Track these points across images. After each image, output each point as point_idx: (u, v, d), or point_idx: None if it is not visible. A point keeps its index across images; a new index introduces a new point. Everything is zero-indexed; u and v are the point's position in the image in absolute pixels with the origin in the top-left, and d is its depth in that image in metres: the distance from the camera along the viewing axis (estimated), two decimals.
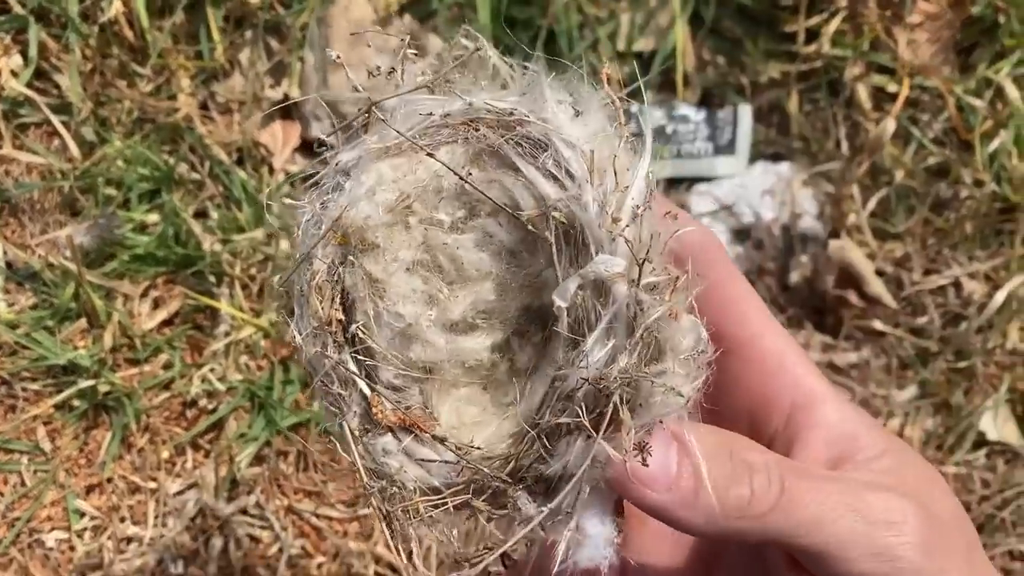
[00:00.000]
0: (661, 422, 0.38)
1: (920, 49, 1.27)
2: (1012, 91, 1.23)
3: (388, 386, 0.41)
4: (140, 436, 1.15)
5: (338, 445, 0.41)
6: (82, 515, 1.12)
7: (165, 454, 1.14)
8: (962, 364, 1.20)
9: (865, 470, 0.40)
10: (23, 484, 1.13)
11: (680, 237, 0.38)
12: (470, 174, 0.40)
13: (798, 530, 0.37)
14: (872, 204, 1.24)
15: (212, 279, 1.18)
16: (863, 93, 1.27)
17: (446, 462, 0.40)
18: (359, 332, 0.41)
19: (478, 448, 0.41)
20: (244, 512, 1.12)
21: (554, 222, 0.38)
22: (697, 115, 1.32)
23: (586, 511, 0.39)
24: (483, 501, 0.40)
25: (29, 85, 1.25)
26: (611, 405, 0.36)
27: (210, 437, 1.15)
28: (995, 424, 1.18)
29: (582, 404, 0.37)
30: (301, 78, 1.26)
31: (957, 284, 1.22)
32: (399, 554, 0.39)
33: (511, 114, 0.39)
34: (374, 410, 0.40)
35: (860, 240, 1.24)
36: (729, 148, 1.30)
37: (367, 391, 0.41)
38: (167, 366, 1.16)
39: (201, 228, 1.18)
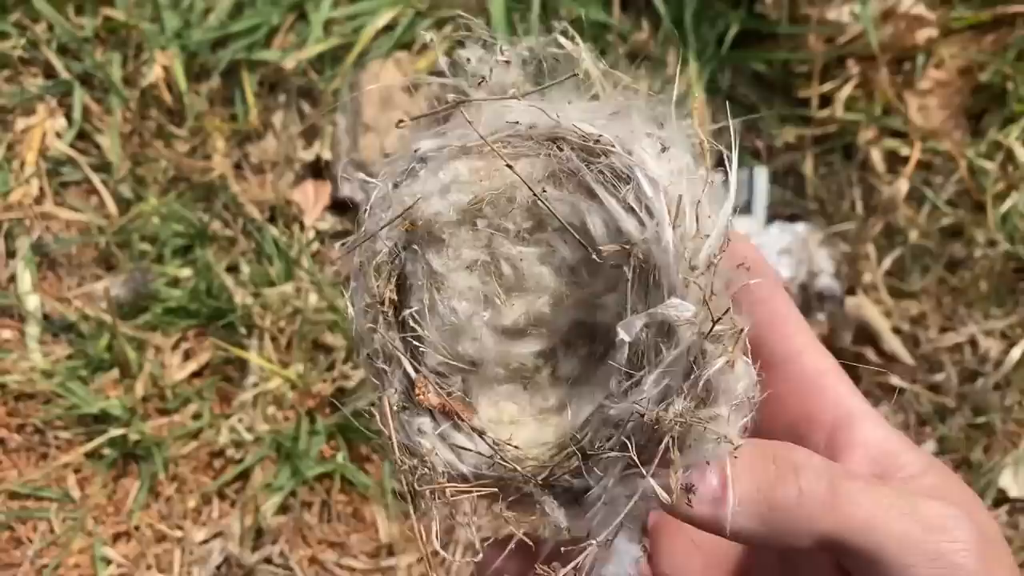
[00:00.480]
0: (708, 463, 0.38)
1: (931, 114, 1.30)
2: (1022, 154, 1.27)
3: (432, 371, 0.42)
4: (168, 485, 1.16)
5: (377, 418, 0.42)
6: (109, 563, 1.13)
7: (192, 503, 1.16)
8: (980, 420, 1.21)
9: (910, 487, 0.40)
10: (52, 531, 1.14)
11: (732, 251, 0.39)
12: (545, 191, 0.40)
13: (852, 531, 0.37)
14: (887, 263, 1.27)
15: (243, 331, 1.21)
16: (876, 156, 1.30)
17: (479, 453, 0.41)
18: (411, 317, 0.42)
19: (516, 447, 0.42)
20: (268, 561, 1.13)
21: (633, 258, 0.38)
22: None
23: (622, 529, 0.40)
24: (509, 499, 0.41)
25: (72, 145, 1.30)
26: (663, 445, 0.37)
27: (236, 487, 1.17)
28: (1015, 481, 1.18)
29: (631, 437, 0.38)
30: (332, 140, 1.31)
31: (973, 342, 1.24)
32: (419, 531, 0.40)
33: (597, 141, 0.39)
34: (416, 390, 0.41)
35: (876, 298, 1.26)
36: (746, 209, 1.33)
37: (411, 372, 0.42)
38: (196, 416, 1.18)
39: (233, 282, 1.22)
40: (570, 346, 0.45)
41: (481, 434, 0.42)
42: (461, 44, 0.45)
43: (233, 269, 1.25)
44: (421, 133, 0.42)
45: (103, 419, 1.17)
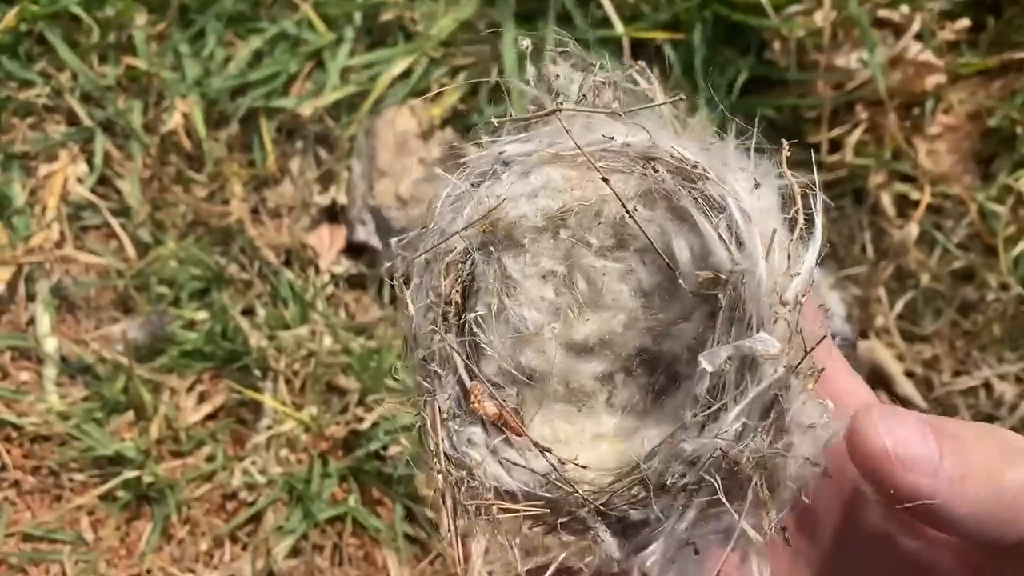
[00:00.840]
0: (803, 494, 0.37)
1: (941, 158, 1.31)
2: None
3: (488, 380, 0.41)
4: (180, 527, 1.17)
5: (423, 425, 0.40)
6: None
7: (204, 546, 1.16)
8: None
9: None
10: (64, 574, 1.14)
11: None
12: (636, 210, 0.39)
13: None
14: (899, 307, 1.27)
15: (257, 374, 1.22)
16: (886, 200, 1.31)
17: (532, 471, 0.39)
18: (475, 321, 0.41)
19: (584, 467, 0.40)
20: None
21: (725, 289, 0.38)
22: None
23: (676, 567, 0.39)
24: (561, 522, 0.39)
25: (92, 191, 1.33)
26: (753, 484, 0.36)
27: (248, 529, 1.17)
28: None
29: (713, 474, 0.36)
30: (348, 185, 1.33)
31: (987, 385, 1.23)
32: (456, 547, 0.38)
33: (695, 166, 0.39)
34: (472, 398, 0.40)
35: (889, 342, 1.26)
36: None
37: (467, 378, 0.40)
38: (210, 458, 1.19)
39: (248, 325, 1.23)
40: (629, 373, 0.43)
41: (544, 450, 0.40)
42: (553, 60, 0.45)
43: (249, 312, 1.27)
44: (502, 138, 0.42)
45: (117, 461, 1.18)
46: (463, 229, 0.40)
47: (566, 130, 0.39)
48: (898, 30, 1.31)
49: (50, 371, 1.24)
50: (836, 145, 1.33)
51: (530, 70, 0.44)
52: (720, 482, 0.36)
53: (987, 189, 1.30)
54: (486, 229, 0.40)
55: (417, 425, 0.42)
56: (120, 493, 1.17)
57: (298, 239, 1.30)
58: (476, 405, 0.40)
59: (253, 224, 1.31)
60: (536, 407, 0.43)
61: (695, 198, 0.38)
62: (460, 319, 0.41)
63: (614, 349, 0.43)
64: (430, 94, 1.36)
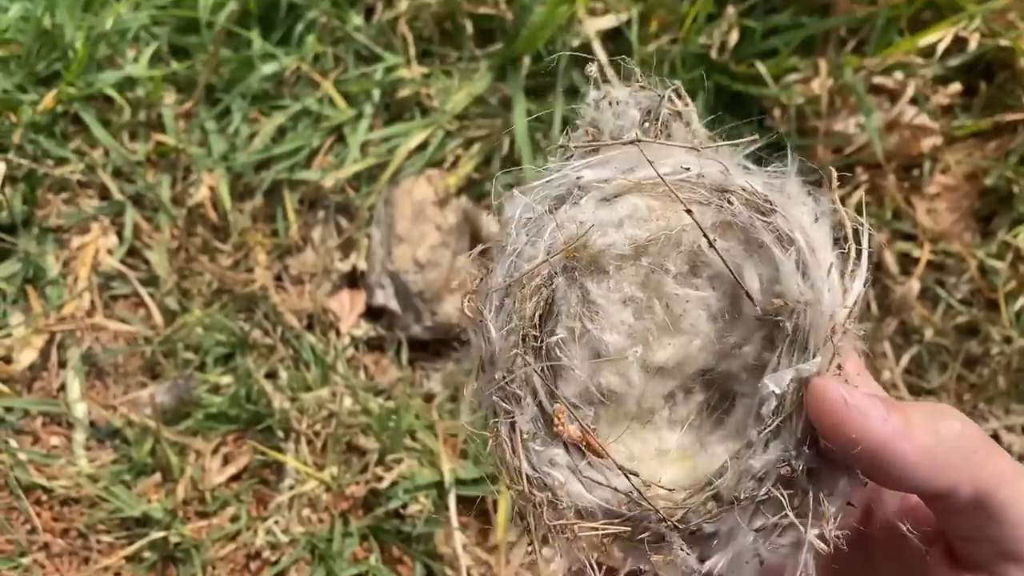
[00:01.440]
0: (850, 503, 0.40)
1: (940, 217, 1.36)
2: None
3: (567, 402, 0.42)
4: None
5: (500, 447, 0.41)
6: None
7: None
8: None
9: None
10: None
11: None
12: (715, 240, 0.42)
13: (994, 477, 0.38)
14: (905, 361, 1.30)
15: (280, 435, 1.25)
16: (889, 258, 1.35)
17: (616, 490, 0.41)
18: (557, 344, 0.42)
19: (669, 490, 0.42)
20: None
21: (793, 315, 0.40)
22: None
23: None
24: (639, 537, 0.41)
25: (122, 261, 1.38)
26: (812, 499, 0.39)
27: None
28: None
29: (782, 491, 0.39)
30: (367, 252, 1.38)
31: (995, 437, 1.25)
32: (541, 565, 0.40)
33: (767, 200, 0.41)
34: (556, 421, 0.41)
35: (896, 396, 1.29)
36: None
37: (547, 401, 0.41)
38: (234, 519, 1.22)
39: (272, 387, 1.27)
40: (689, 391, 0.45)
41: (628, 474, 0.41)
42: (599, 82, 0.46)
43: (272, 375, 1.30)
44: (574, 162, 0.43)
45: (144, 522, 1.21)
46: (551, 256, 0.41)
47: (649, 162, 0.41)
48: (893, 95, 1.37)
49: (80, 435, 1.28)
50: None
51: (592, 94, 0.45)
52: (787, 496, 0.39)
53: (987, 246, 1.34)
54: (571, 255, 0.42)
55: (489, 448, 0.42)
56: (147, 554, 1.19)
57: (320, 304, 1.35)
58: (560, 428, 0.41)
59: (276, 291, 1.36)
60: (607, 426, 0.45)
61: (769, 231, 0.41)
62: (540, 342, 0.42)
63: (683, 370, 0.45)
64: (446, 164, 1.42)
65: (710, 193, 0.42)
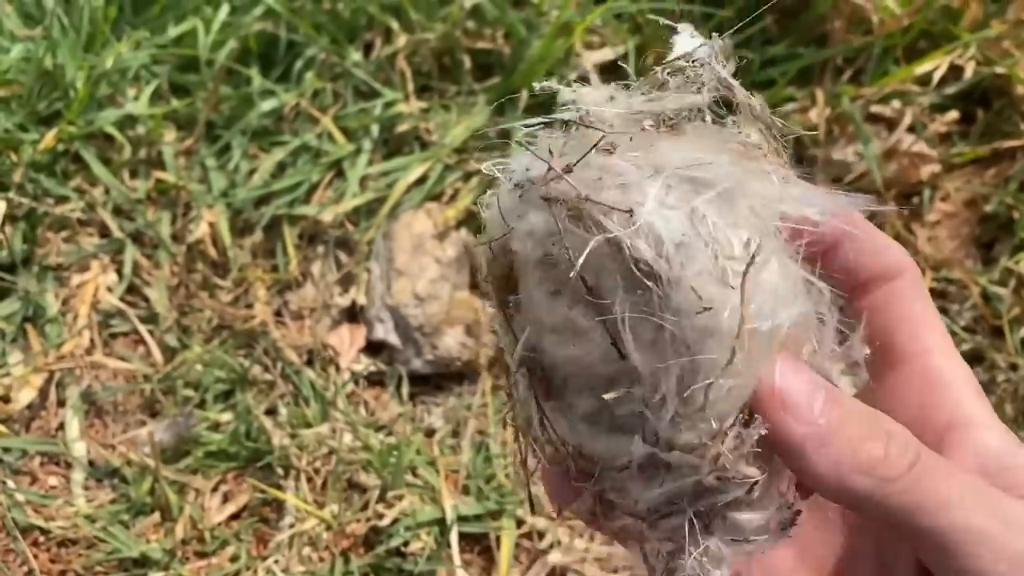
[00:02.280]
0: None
1: (941, 244, 1.35)
2: None
3: None
4: None
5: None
6: None
7: None
8: None
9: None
10: None
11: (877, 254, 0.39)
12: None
13: (923, 507, 0.34)
14: None
15: (280, 472, 1.24)
16: None
17: None
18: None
19: None
20: None
21: None
22: None
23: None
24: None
25: (121, 299, 1.38)
26: None
27: None
28: None
29: None
30: (367, 286, 1.37)
31: None
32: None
33: None
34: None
35: None
36: None
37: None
38: (233, 558, 1.20)
39: (271, 424, 1.26)
40: None
41: None
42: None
43: (272, 412, 1.30)
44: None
45: (143, 563, 1.19)
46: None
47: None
48: (891, 124, 1.37)
49: (78, 475, 1.26)
50: None
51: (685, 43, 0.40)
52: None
53: (989, 273, 1.33)
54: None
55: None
56: None
57: (319, 339, 1.34)
58: None
59: (276, 326, 1.36)
60: None
61: None
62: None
63: None
64: (445, 197, 1.42)
65: None
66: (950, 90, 1.38)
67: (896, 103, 1.38)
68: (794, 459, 0.36)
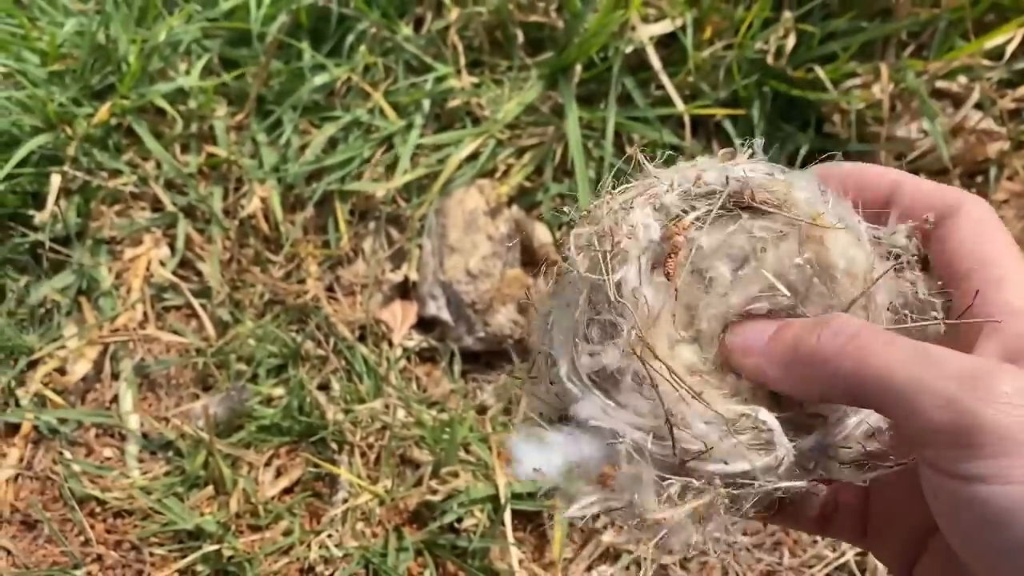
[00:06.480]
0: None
1: (1008, 224, 1.31)
2: None
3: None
4: None
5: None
6: None
7: None
8: None
9: None
10: None
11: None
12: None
13: (867, 376, 0.37)
14: None
15: (333, 447, 1.23)
16: None
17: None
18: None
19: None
20: None
21: None
22: None
23: None
24: None
25: (174, 273, 1.38)
26: None
27: None
28: None
29: None
30: (419, 262, 1.36)
31: None
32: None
33: None
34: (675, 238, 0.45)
35: None
36: None
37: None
38: (287, 532, 1.20)
39: (325, 399, 1.26)
40: None
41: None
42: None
43: (324, 387, 1.29)
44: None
45: (197, 535, 1.19)
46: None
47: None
48: (956, 100, 1.33)
49: (132, 447, 1.27)
50: None
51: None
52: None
53: None
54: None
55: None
56: (200, 567, 1.18)
57: (371, 315, 1.33)
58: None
59: (328, 302, 1.35)
60: None
61: None
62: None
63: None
64: (497, 174, 1.41)
65: None
66: (1019, 65, 1.33)
67: (963, 78, 1.34)
68: (765, 382, 0.42)
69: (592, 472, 0.43)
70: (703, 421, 0.41)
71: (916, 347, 0.37)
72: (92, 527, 1.21)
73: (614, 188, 0.46)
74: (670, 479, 0.41)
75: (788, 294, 0.44)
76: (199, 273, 1.39)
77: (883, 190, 0.46)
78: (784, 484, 0.42)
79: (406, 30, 1.49)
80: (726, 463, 0.41)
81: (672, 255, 0.43)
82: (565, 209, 0.48)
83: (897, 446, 0.43)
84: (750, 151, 0.49)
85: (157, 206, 1.42)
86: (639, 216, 0.44)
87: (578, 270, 0.44)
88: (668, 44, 1.42)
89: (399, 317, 1.34)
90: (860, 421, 0.43)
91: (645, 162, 0.47)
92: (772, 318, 0.44)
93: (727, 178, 0.45)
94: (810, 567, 1.16)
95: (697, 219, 0.44)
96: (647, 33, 1.37)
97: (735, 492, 0.41)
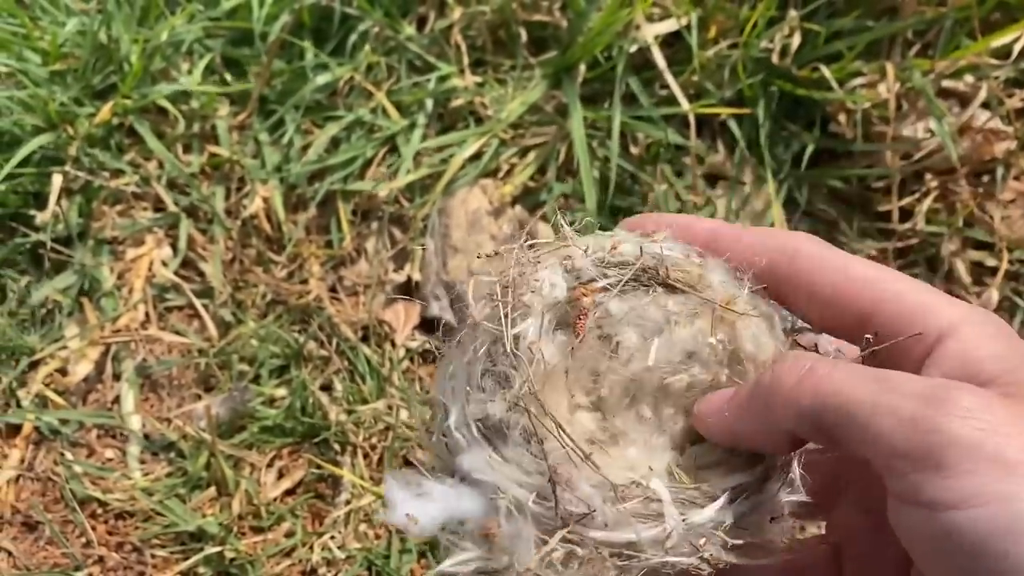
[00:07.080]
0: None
1: (1015, 224, 1.31)
2: None
3: None
4: None
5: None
6: None
7: None
8: None
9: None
10: None
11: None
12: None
13: (822, 403, 0.37)
14: None
15: (336, 448, 1.23)
16: (962, 268, 1.30)
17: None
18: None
19: None
20: None
21: None
22: None
23: None
24: None
25: (176, 273, 1.38)
26: None
27: None
28: None
29: None
30: (422, 262, 1.36)
31: None
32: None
33: None
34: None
35: None
36: None
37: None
38: (289, 534, 1.19)
39: (327, 400, 1.25)
40: None
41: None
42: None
43: (327, 388, 1.28)
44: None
45: (199, 537, 1.19)
46: None
47: None
48: (963, 99, 1.32)
49: (134, 448, 1.26)
50: (907, 213, 1.33)
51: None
52: None
53: None
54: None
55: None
56: (201, 569, 1.17)
57: (374, 316, 1.33)
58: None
59: (331, 302, 1.35)
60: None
61: None
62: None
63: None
64: (500, 173, 1.40)
65: None
66: None
67: (969, 77, 1.33)
68: (734, 441, 0.43)
69: (475, 527, 0.41)
70: (589, 484, 0.40)
71: (873, 372, 0.37)
72: (93, 528, 1.20)
73: (525, 243, 0.46)
74: (552, 542, 0.39)
75: (704, 370, 0.44)
76: (201, 273, 1.38)
77: (700, 239, 0.46)
78: (672, 559, 0.40)
79: (409, 29, 1.49)
80: (610, 529, 0.39)
81: (581, 317, 0.43)
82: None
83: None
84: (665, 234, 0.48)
85: (159, 206, 1.42)
86: (547, 274, 0.44)
87: (476, 319, 0.43)
88: (672, 43, 1.41)
89: (402, 317, 1.33)
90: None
91: (564, 224, 0.46)
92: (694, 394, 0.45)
93: (641, 250, 0.45)
94: None
95: (608, 286, 0.44)
96: (651, 32, 1.37)
97: (620, 563, 0.39)
